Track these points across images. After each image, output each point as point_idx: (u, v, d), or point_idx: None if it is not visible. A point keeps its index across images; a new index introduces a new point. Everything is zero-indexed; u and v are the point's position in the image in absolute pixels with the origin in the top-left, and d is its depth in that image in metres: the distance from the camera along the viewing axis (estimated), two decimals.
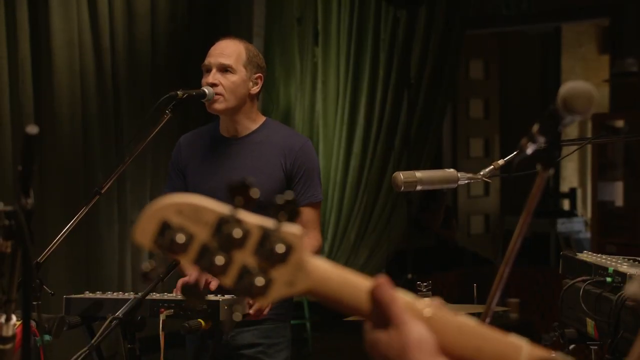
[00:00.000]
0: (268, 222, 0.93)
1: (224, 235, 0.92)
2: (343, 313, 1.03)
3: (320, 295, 0.96)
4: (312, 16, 6.12)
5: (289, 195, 0.93)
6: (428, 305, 0.98)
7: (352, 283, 0.97)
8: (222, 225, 0.92)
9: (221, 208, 0.93)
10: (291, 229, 0.94)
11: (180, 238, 0.91)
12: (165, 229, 0.92)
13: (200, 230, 0.92)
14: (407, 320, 0.94)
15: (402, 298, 0.97)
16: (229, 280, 0.93)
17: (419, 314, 0.96)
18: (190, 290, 0.94)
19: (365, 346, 0.97)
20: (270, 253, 0.93)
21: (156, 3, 5.30)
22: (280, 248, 0.93)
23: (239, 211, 0.93)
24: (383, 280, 0.96)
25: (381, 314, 0.95)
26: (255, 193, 0.92)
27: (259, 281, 0.92)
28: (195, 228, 0.92)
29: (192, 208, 0.92)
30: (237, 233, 0.92)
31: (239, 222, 0.92)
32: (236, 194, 0.92)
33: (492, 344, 0.98)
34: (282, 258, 0.93)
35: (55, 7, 4.75)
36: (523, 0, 7.12)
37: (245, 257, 0.93)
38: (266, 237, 0.93)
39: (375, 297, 0.95)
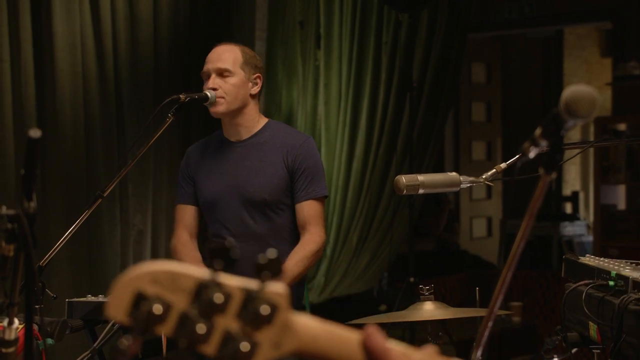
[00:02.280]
0: (250, 284, 0.89)
1: (203, 301, 0.87)
2: None
3: (309, 354, 0.93)
4: (315, 20, 6.12)
5: (271, 253, 0.88)
6: (422, 354, 0.96)
7: (341, 338, 0.94)
8: (202, 290, 0.87)
9: (200, 273, 0.88)
10: (275, 288, 0.89)
11: (157, 309, 0.86)
12: (140, 299, 0.87)
13: (178, 299, 0.87)
14: None
15: (395, 347, 0.94)
16: (211, 348, 0.88)
17: None
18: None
19: None
20: (255, 315, 0.88)
21: (158, 7, 5.31)
22: (265, 310, 0.88)
23: (219, 274, 0.88)
24: (373, 330, 0.94)
25: None
26: (235, 254, 0.87)
27: (244, 347, 0.87)
28: (172, 296, 0.87)
29: (168, 275, 0.86)
30: (218, 298, 0.87)
31: (219, 286, 0.87)
32: (216, 257, 0.87)
33: None
34: (268, 319, 0.88)
35: (58, 10, 4.76)
36: (525, 4, 7.13)
37: (228, 322, 0.88)
38: (249, 299, 0.88)
39: (368, 349, 0.93)
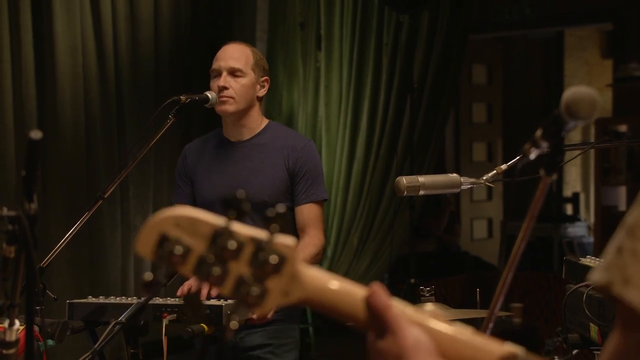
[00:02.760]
0: (261, 234, 0.96)
1: (219, 247, 0.94)
2: (339, 321, 1.04)
3: (316, 304, 0.98)
4: (315, 21, 6.12)
5: (280, 207, 0.95)
6: (424, 315, 0.98)
7: (347, 291, 0.98)
8: (217, 237, 0.95)
9: (216, 220, 0.95)
10: (284, 240, 0.96)
11: (178, 250, 0.94)
12: (164, 241, 0.95)
13: (196, 243, 0.95)
14: (403, 325, 0.95)
15: (397, 305, 0.97)
16: (226, 290, 0.96)
17: (414, 321, 0.96)
18: (190, 300, 0.97)
19: (369, 357, 0.97)
20: (264, 264, 0.95)
21: (159, 8, 5.31)
22: (273, 259, 0.95)
23: (233, 223, 0.95)
24: (377, 288, 0.97)
25: (377, 322, 0.96)
26: (247, 206, 0.95)
27: (255, 291, 0.95)
28: (191, 240, 0.95)
29: (189, 221, 0.95)
30: (231, 245, 0.94)
31: (232, 235, 0.95)
32: (229, 207, 0.95)
33: (486, 353, 0.98)
34: (276, 269, 0.95)
35: (59, 11, 4.76)
36: (526, 5, 7.13)
37: (241, 268, 0.95)
38: (259, 248, 0.95)
39: (370, 305, 0.96)
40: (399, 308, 0.97)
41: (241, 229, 0.96)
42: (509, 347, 1.00)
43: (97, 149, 4.99)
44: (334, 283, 0.98)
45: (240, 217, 0.95)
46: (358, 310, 0.97)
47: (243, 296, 0.95)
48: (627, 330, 0.87)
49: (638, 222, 0.87)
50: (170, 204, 3.41)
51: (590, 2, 7.02)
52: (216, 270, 0.94)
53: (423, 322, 0.97)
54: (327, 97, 6.08)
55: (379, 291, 0.97)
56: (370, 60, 5.97)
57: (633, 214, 0.88)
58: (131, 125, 5.16)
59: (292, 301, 0.97)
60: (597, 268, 0.90)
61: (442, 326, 0.98)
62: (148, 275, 0.96)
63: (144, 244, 0.95)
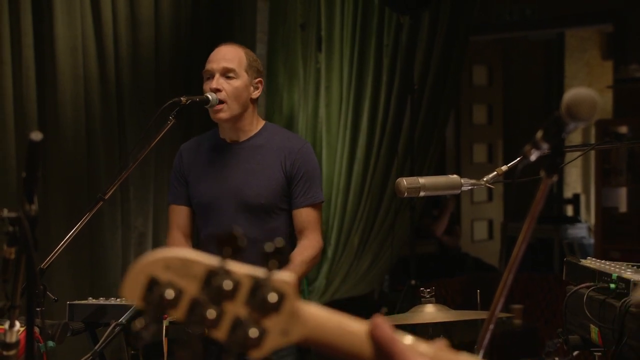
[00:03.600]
0: (258, 272, 0.91)
1: (213, 288, 0.90)
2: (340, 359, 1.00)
3: (317, 343, 0.95)
4: (316, 22, 6.12)
5: (278, 242, 0.91)
6: (430, 347, 0.97)
7: (349, 328, 0.95)
8: (212, 277, 0.90)
9: (209, 260, 0.91)
10: (282, 276, 0.92)
11: (170, 294, 0.90)
12: (153, 284, 0.90)
13: (189, 285, 0.90)
14: (412, 357, 0.93)
15: (403, 338, 0.95)
16: (221, 333, 0.91)
17: (422, 353, 0.95)
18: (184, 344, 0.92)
19: None
20: (263, 303, 0.91)
21: (160, 9, 5.31)
22: (272, 297, 0.91)
23: (228, 262, 0.91)
24: (380, 320, 0.95)
25: (384, 355, 0.94)
26: (243, 242, 0.90)
27: (253, 332, 0.90)
28: (184, 282, 0.90)
29: (180, 262, 0.90)
30: (227, 285, 0.90)
31: (228, 274, 0.90)
32: (224, 245, 0.90)
33: None
34: (275, 307, 0.91)
35: (59, 13, 4.76)
36: (526, 6, 7.13)
37: (237, 308, 0.91)
38: (257, 286, 0.91)
39: (375, 339, 0.94)
40: (405, 342, 0.95)
41: (237, 267, 0.91)
42: None
43: (98, 150, 4.99)
44: (334, 319, 0.95)
45: (236, 255, 0.90)
46: (360, 347, 0.95)
47: (240, 339, 0.90)
48: None
49: None
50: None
51: (591, 4, 7.02)
52: (211, 313, 0.89)
53: (431, 354, 0.96)
54: (328, 98, 6.08)
55: (383, 324, 0.95)
56: (371, 61, 5.97)
57: None
58: (132, 126, 5.15)
59: (291, 341, 0.93)
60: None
61: (451, 357, 0.97)
62: (136, 325, 0.90)
63: (131, 289, 0.90)
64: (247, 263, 0.93)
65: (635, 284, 2.28)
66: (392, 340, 0.93)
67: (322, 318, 0.94)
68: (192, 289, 0.90)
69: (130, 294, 0.90)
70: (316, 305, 0.95)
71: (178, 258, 0.90)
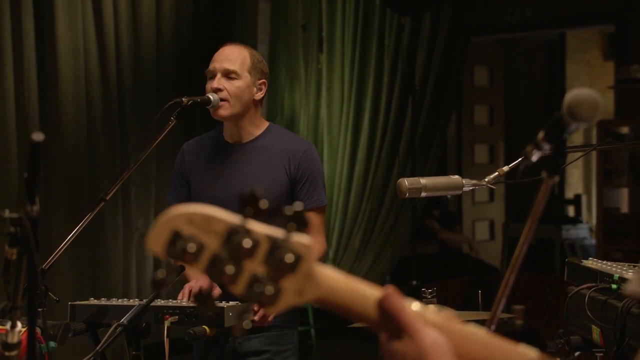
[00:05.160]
0: (277, 232, 0.94)
1: (234, 245, 0.93)
2: (351, 321, 1.04)
3: (330, 304, 0.98)
4: (317, 23, 6.12)
5: (298, 205, 0.94)
6: (437, 314, 0.99)
7: (361, 292, 0.98)
8: (232, 235, 0.93)
9: (231, 218, 0.94)
10: (300, 239, 0.95)
11: (191, 247, 0.93)
12: (176, 238, 0.93)
13: (210, 240, 0.93)
14: (420, 327, 0.95)
15: (412, 306, 0.98)
16: (239, 289, 0.94)
17: (430, 322, 0.97)
18: (202, 297, 0.95)
19: (383, 358, 0.97)
20: (280, 263, 0.94)
21: (161, 10, 5.31)
22: (289, 258, 0.94)
23: (249, 221, 0.93)
24: (391, 290, 0.98)
25: (393, 324, 0.96)
26: (264, 204, 0.93)
27: (269, 290, 0.94)
28: (205, 238, 0.93)
29: (203, 218, 0.93)
30: (246, 243, 0.93)
31: (248, 232, 0.93)
32: (246, 205, 0.93)
33: (501, 354, 0.98)
34: (291, 268, 0.94)
35: (61, 14, 4.76)
36: (528, 7, 7.13)
37: (255, 266, 0.94)
38: (275, 247, 0.94)
39: (384, 308, 0.97)
40: (414, 310, 0.97)
41: (257, 226, 0.94)
42: (523, 348, 1.00)
43: (99, 150, 4.99)
44: (348, 283, 0.98)
45: (257, 215, 0.93)
46: (371, 311, 0.97)
47: (256, 295, 0.93)
48: None
49: None
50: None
51: (592, 4, 7.02)
52: (230, 269, 0.93)
53: (439, 323, 0.98)
54: (329, 98, 6.08)
55: (393, 294, 0.97)
56: (372, 62, 5.97)
57: None
58: (133, 127, 5.16)
59: (305, 300, 0.96)
60: (632, 280, 0.90)
61: (458, 327, 0.99)
62: (158, 274, 0.94)
63: (156, 240, 0.93)
64: None
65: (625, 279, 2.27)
66: (400, 310, 0.96)
67: (336, 280, 0.97)
68: (213, 244, 0.93)
69: (155, 245, 0.93)
70: (331, 268, 0.98)
71: (201, 214, 0.93)
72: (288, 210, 0.94)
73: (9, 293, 1.60)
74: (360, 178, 6.00)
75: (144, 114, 5.17)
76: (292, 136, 3.34)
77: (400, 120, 5.94)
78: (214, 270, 0.93)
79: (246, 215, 0.93)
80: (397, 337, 0.96)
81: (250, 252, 0.93)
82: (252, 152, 3.20)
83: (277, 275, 0.94)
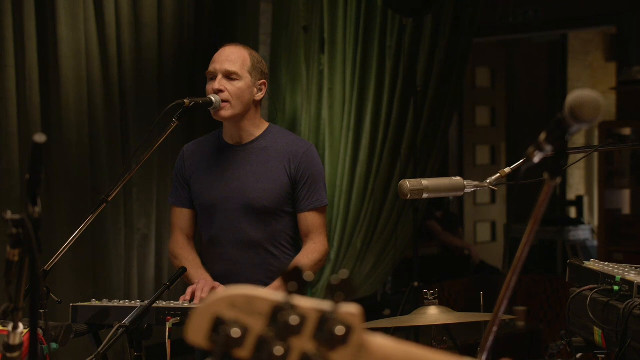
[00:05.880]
0: (324, 305, 0.91)
1: (280, 323, 0.89)
2: None
3: None
4: (319, 24, 6.12)
5: (343, 274, 0.90)
6: None
7: (415, 357, 0.96)
8: (277, 313, 0.89)
9: (275, 296, 0.90)
10: (349, 309, 0.91)
11: (236, 332, 0.89)
12: (219, 324, 0.89)
13: (255, 322, 0.90)
14: None
15: None
16: None
17: None
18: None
19: None
20: (330, 336, 0.90)
21: (163, 12, 5.31)
22: (340, 330, 0.90)
23: (294, 297, 0.90)
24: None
25: None
26: (309, 277, 0.90)
27: None
28: (249, 320, 0.90)
29: (245, 299, 0.90)
30: (293, 320, 0.89)
31: (294, 308, 0.90)
32: (290, 279, 0.90)
33: None
34: (343, 340, 0.90)
35: (63, 16, 4.77)
36: (530, 8, 7.13)
37: (304, 343, 0.90)
38: (324, 320, 0.90)
39: None
40: None
41: (303, 301, 0.90)
42: None
43: (101, 152, 5.00)
44: (402, 350, 0.95)
45: (301, 290, 0.89)
46: None
47: None
48: None
49: None
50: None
51: (594, 6, 7.02)
52: (278, 350, 0.88)
53: None
54: (331, 100, 6.08)
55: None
56: (374, 64, 5.97)
57: None
58: (135, 129, 5.16)
59: None
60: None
61: None
62: None
63: (197, 330, 0.89)
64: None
65: (639, 285, 2.27)
66: None
67: (389, 349, 0.94)
68: (258, 326, 0.89)
69: (196, 335, 0.89)
70: (382, 336, 0.95)
71: (242, 295, 0.90)
72: (334, 279, 0.90)
73: (11, 294, 1.60)
74: (362, 179, 6.00)
75: (146, 115, 5.18)
76: (292, 137, 3.34)
77: (401, 121, 5.94)
78: (261, 353, 0.89)
79: (290, 291, 0.90)
80: None
81: (298, 329, 0.89)
82: (253, 153, 3.21)
83: (327, 350, 0.90)
